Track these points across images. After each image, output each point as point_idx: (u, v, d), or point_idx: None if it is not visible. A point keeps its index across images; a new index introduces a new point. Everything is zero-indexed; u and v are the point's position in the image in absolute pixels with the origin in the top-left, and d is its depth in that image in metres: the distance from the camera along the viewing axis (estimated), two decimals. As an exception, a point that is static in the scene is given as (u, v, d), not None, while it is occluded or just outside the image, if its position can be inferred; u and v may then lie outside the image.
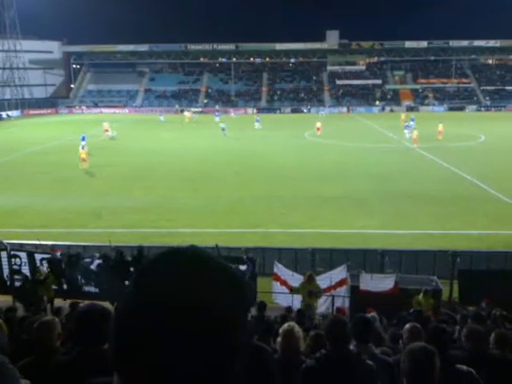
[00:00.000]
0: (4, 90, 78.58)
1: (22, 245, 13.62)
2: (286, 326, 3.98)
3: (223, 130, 44.43)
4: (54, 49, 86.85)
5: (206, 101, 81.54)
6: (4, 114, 69.76)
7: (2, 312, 6.71)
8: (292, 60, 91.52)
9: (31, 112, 74.22)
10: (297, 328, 3.93)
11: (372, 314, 6.66)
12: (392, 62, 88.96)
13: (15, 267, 12.49)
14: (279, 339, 3.91)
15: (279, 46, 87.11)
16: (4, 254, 12.52)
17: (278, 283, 11.57)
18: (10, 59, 79.94)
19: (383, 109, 75.65)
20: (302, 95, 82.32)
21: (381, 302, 9.31)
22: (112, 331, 0.80)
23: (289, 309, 9.36)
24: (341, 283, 11.03)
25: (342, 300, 10.70)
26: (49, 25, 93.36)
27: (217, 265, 0.82)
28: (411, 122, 44.67)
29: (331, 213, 19.10)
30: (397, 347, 5.71)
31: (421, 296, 9.63)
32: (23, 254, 12.43)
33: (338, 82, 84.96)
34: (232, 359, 0.80)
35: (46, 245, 13.97)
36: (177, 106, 75.16)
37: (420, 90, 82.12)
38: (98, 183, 24.90)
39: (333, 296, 10.52)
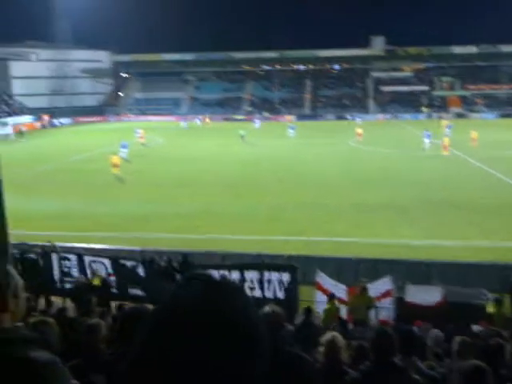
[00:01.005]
0: (57, 98, 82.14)
1: (71, 247, 14.12)
2: (328, 335, 3.95)
3: (242, 136, 45.53)
4: (103, 58, 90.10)
5: (249, 108, 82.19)
6: (56, 122, 72.85)
7: (54, 312, 6.99)
8: (335, 66, 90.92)
9: (81, 119, 77.09)
10: (339, 338, 3.89)
11: (435, 330, 6.48)
12: (439, 67, 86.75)
13: (65, 269, 13.00)
14: (321, 349, 3.89)
15: (322, 53, 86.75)
16: (55, 256, 13.06)
17: (321, 292, 11.46)
18: (63, 68, 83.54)
19: (430, 116, 73.80)
20: (346, 102, 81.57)
21: (428, 314, 9.05)
22: (142, 334, 0.86)
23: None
24: (385, 295, 10.81)
25: (387, 312, 10.47)
26: (99, 34, 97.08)
27: (244, 293, 0.93)
28: (446, 130, 43.60)
29: (375, 221, 18.78)
30: (444, 362, 5.55)
31: (492, 306, 9.25)
32: (73, 257, 12.90)
33: (383, 89, 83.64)
34: (252, 370, 0.85)
35: (94, 248, 14.46)
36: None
37: (469, 97, 79.60)
38: (143, 189, 25.51)
39: (377, 307, 10.32)
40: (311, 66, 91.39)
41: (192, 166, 32.29)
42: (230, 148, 41.71)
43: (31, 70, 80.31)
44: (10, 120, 62.07)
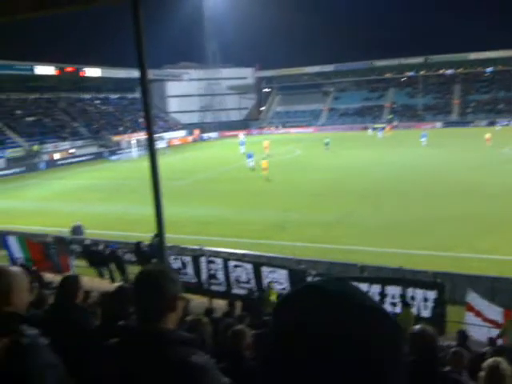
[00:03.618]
0: (206, 115, 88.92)
1: (218, 252, 15.00)
2: (491, 360, 3.57)
3: (327, 144, 46.06)
4: (247, 75, 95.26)
5: (390, 116, 79.48)
6: (205, 136, 78.70)
7: (203, 312, 7.48)
8: (488, 69, 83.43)
9: (227, 133, 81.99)
10: (504, 365, 3.48)
11: None
12: None
13: (212, 272, 13.86)
14: (482, 374, 3.52)
15: (473, 56, 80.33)
16: (203, 259, 14.02)
17: (472, 314, 10.51)
18: (212, 86, 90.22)
19: None
20: (501, 107, 74.24)
21: None
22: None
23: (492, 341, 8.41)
24: (551, 322, 9.48)
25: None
26: (244, 53, 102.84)
27: (366, 301, 0.83)
28: None
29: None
30: None
31: None
32: (219, 261, 13.70)
33: (547, 91, 74.46)
34: None
35: (237, 253, 15.17)
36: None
37: None
38: (283, 198, 26.11)
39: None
40: (460, 70, 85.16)
41: (332, 175, 32.23)
42: (370, 157, 40.73)
43: (184, 89, 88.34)
44: (166, 135, 68.85)
